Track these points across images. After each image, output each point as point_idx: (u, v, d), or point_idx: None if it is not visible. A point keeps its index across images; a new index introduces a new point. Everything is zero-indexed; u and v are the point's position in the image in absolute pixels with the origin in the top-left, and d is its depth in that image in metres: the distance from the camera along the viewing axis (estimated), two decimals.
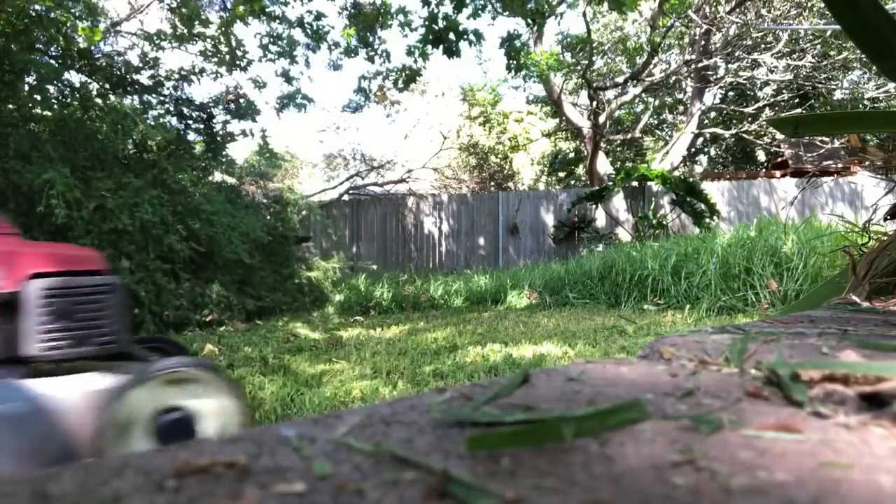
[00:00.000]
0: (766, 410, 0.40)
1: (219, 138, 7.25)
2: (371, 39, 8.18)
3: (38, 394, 1.38)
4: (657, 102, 15.55)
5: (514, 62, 7.65)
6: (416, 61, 7.92)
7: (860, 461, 0.30)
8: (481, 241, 11.89)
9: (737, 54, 11.84)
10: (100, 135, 5.59)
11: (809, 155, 12.17)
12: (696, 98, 12.41)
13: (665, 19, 11.08)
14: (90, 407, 1.40)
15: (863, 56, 7.08)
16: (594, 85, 12.18)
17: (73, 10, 6.09)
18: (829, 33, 10.18)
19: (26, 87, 5.71)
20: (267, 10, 7.68)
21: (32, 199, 4.51)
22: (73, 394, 1.42)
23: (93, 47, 6.59)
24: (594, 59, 12.65)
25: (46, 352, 1.54)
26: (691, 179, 9.95)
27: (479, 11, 6.78)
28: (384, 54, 8.31)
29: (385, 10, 7.80)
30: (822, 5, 9.71)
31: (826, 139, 11.84)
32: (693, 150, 16.81)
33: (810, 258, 4.68)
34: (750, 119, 13.59)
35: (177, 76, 7.23)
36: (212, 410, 1.51)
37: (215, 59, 7.60)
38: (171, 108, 7.23)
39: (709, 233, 7.59)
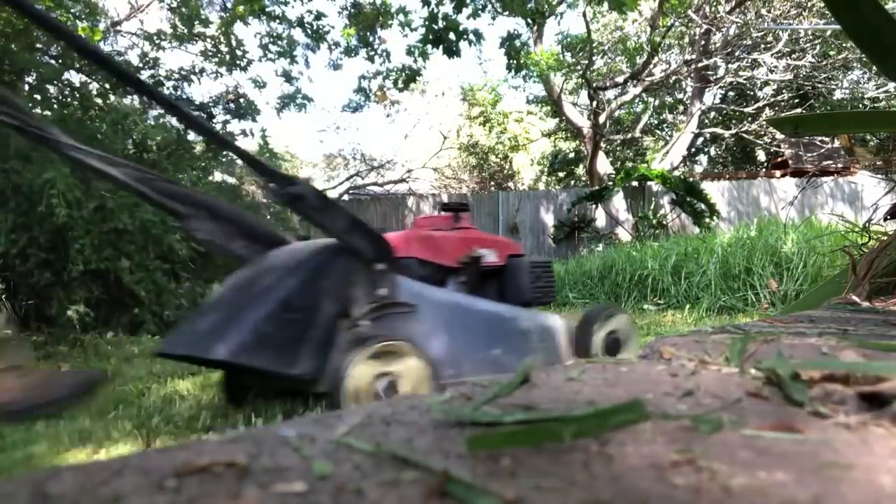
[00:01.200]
0: (766, 410, 0.40)
1: None
2: (371, 39, 8.17)
3: (554, 319, 2.35)
4: (657, 102, 15.54)
5: (514, 62, 7.64)
6: (416, 61, 7.92)
7: (860, 461, 0.30)
8: None
9: (737, 54, 11.83)
10: (100, 135, 5.57)
11: (809, 155, 12.16)
12: (696, 98, 12.41)
13: (665, 19, 11.07)
14: (571, 329, 2.32)
15: (863, 56, 7.07)
16: (594, 85, 12.17)
17: (73, 10, 6.08)
18: (829, 33, 10.17)
19: (26, 87, 5.70)
20: (267, 10, 7.67)
21: (32, 199, 4.49)
22: (561, 322, 2.34)
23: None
24: (594, 59, 12.63)
25: (533, 301, 2.42)
26: (691, 179, 9.94)
27: (479, 11, 6.77)
28: (384, 54, 8.30)
29: (385, 9, 7.79)
30: (822, 5, 9.70)
31: (826, 139, 11.85)
32: (693, 150, 16.80)
33: (810, 258, 4.67)
34: (750, 119, 13.58)
35: (177, 76, 7.22)
36: (627, 335, 2.39)
37: (215, 59, 7.59)
38: None
39: (709, 233, 7.58)
